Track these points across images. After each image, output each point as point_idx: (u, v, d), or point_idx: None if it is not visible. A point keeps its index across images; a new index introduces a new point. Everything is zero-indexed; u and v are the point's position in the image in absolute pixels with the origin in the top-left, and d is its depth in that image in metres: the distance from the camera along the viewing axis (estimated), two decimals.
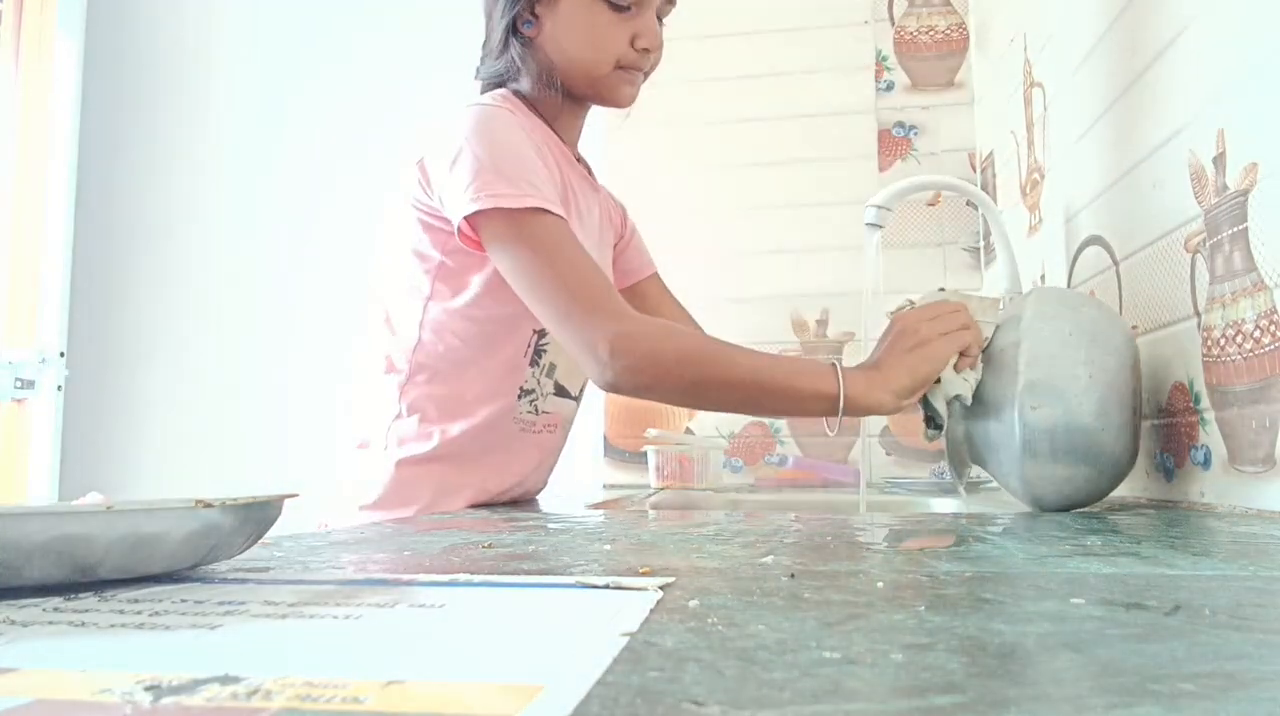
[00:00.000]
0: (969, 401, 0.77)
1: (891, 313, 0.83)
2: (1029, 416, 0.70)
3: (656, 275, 1.12)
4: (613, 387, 0.78)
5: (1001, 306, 0.81)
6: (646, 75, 0.94)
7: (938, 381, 0.78)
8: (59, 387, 2.03)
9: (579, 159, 1.01)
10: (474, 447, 0.90)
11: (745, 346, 0.79)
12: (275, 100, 2.11)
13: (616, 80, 0.91)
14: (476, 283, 0.88)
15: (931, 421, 0.81)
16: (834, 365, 0.77)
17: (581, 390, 1.01)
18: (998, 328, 0.78)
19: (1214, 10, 0.71)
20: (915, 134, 1.72)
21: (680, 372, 0.77)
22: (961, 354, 0.77)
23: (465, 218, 0.80)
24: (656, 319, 0.80)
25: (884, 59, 1.75)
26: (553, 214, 0.80)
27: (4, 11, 2.08)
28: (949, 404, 0.78)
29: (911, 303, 0.82)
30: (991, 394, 0.75)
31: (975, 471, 0.84)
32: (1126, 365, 0.72)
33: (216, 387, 2.05)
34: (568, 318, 0.77)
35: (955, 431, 0.80)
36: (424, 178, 0.86)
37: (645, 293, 1.10)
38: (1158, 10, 0.81)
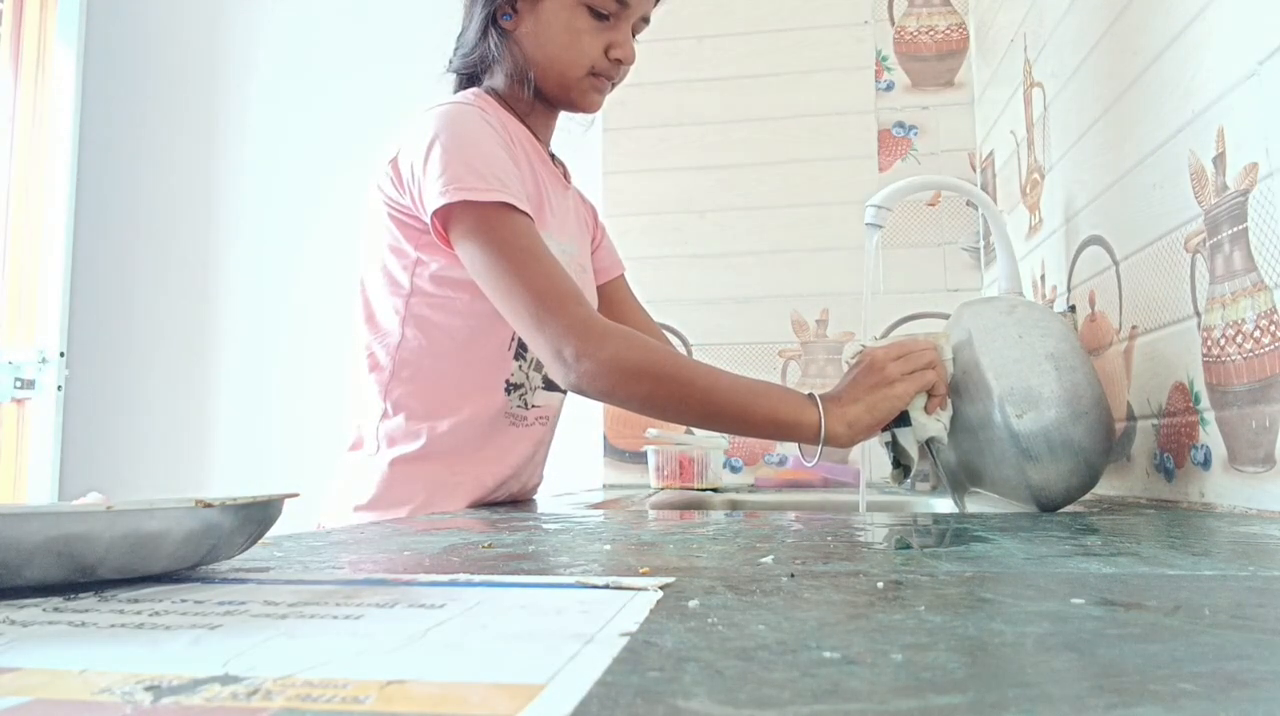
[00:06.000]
0: (945, 440, 0.77)
1: (857, 352, 0.83)
2: (1018, 425, 0.70)
3: (623, 276, 1.13)
4: (575, 389, 0.80)
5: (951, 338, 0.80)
6: (614, 86, 0.95)
7: (907, 424, 0.78)
8: (59, 387, 2.03)
9: (553, 158, 1.02)
10: (465, 444, 0.91)
11: (716, 367, 0.81)
12: (274, 99, 2.11)
13: (588, 86, 0.93)
14: (455, 278, 0.88)
15: (898, 462, 0.81)
16: (810, 395, 0.78)
17: None
18: (954, 358, 0.78)
19: (1214, 10, 0.71)
20: (915, 134, 1.72)
21: (640, 382, 0.78)
22: (930, 395, 0.77)
23: (435, 212, 0.81)
24: (624, 327, 0.81)
25: (884, 59, 1.75)
26: (520, 212, 0.81)
27: (3, 12, 2.08)
28: (927, 446, 0.78)
29: (863, 347, 0.83)
30: (974, 418, 0.75)
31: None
32: (1073, 339, 0.73)
33: (216, 388, 2.05)
34: (534, 317, 0.78)
35: (949, 461, 0.80)
36: (395, 176, 0.87)
37: (614, 292, 1.11)
38: (1158, 10, 0.81)
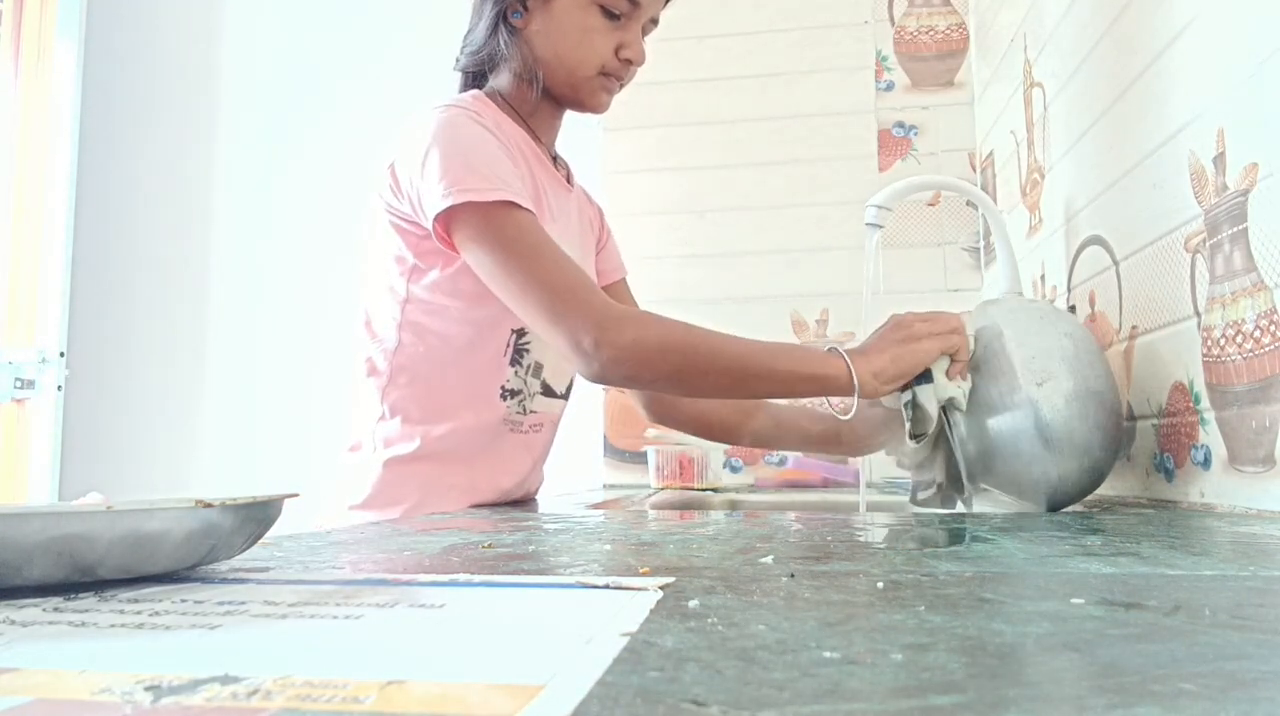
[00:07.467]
0: (963, 406, 0.78)
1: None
2: (1036, 393, 0.73)
3: (625, 280, 1.13)
4: (600, 379, 0.79)
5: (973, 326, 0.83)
6: (622, 86, 0.95)
7: (930, 382, 0.78)
8: (59, 387, 2.03)
9: (555, 159, 1.01)
10: (461, 449, 0.91)
11: (732, 333, 0.81)
12: (275, 100, 2.11)
13: (596, 86, 0.92)
14: (451, 285, 0.88)
15: (914, 432, 0.80)
16: (833, 349, 0.79)
17: (569, 388, 1.01)
18: (976, 338, 0.81)
19: (1214, 10, 0.71)
20: (915, 134, 1.72)
21: (665, 359, 0.77)
22: (953, 360, 0.79)
23: (438, 216, 0.80)
24: (638, 310, 0.81)
25: (884, 59, 1.75)
26: (523, 209, 0.80)
27: (4, 11, 2.08)
28: (944, 415, 0.79)
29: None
30: (993, 389, 0.77)
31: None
32: (1091, 339, 0.78)
33: (216, 388, 2.05)
34: (549, 312, 0.77)
35: (961, 438, 0.79)
36: (394, 181, 0.86)
37: (614, 296, 1.11)
38: (1157, 10, 0.81)
